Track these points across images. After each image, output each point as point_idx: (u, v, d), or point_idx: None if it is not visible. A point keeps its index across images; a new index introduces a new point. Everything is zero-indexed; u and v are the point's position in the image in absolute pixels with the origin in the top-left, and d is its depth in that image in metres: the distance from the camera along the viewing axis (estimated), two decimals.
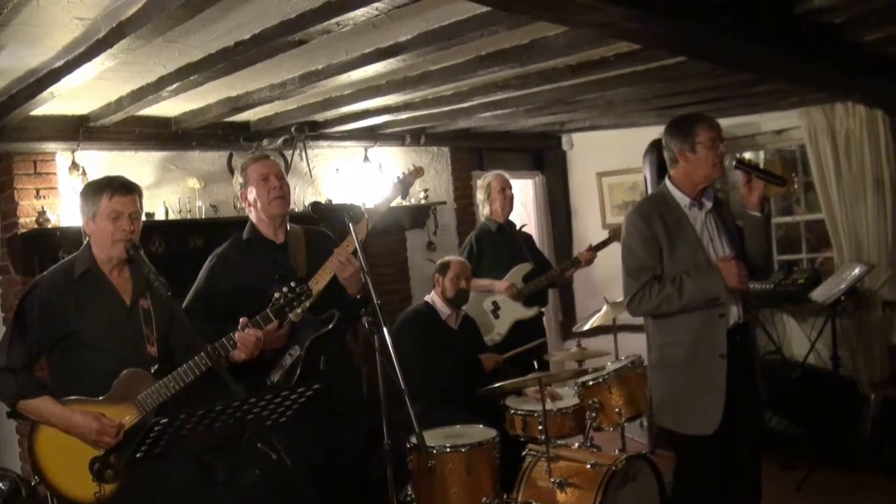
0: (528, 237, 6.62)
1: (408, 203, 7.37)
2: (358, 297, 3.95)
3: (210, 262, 4.19)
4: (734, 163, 4.00)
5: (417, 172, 4.50)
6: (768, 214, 4.12)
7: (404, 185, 4.37)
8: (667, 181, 4.08)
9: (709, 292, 3.80)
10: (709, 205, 4.01)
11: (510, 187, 6.37)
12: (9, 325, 3.48)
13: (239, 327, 3.56)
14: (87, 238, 3.58)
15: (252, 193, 4.13)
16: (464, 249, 6.35)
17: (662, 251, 3.92)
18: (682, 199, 3.99)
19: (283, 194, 4.13)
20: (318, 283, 3.97)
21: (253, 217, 4.21)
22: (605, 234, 6.31)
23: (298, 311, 3.71)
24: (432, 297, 5.54)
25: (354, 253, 3.88)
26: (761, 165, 4.25)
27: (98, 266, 3.52)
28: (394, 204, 7.08)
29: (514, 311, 6.11)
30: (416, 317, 5.48)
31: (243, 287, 3.99)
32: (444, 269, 5.50)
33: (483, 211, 6.42)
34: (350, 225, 3.77)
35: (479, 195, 6.41)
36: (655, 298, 3.87)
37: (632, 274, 3.98)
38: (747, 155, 7.38)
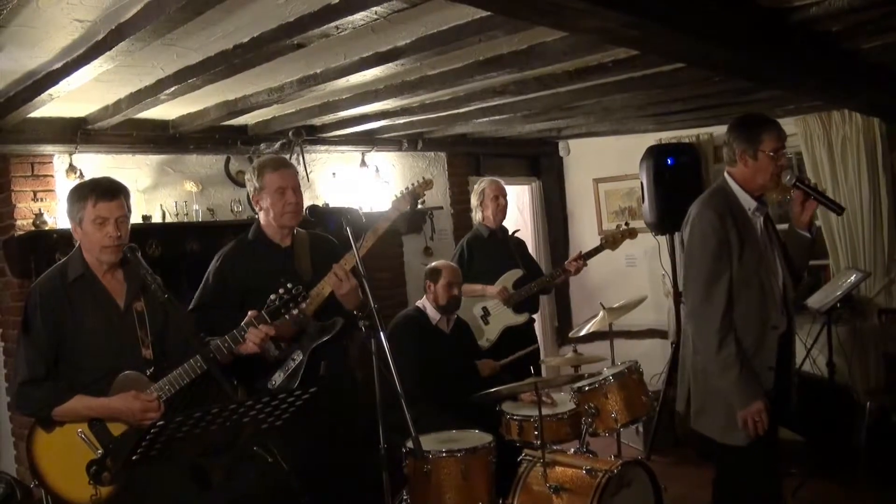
0: (521, 242, 6.61)
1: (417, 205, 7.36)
2: (355, 312, 3.92)
3: (217, 263, 4.17)
4: (794, 180, 3.81)
5: (427, 185, 4.47)
6: (815, 236, 4.01)
7: (413, 197, 4.35)
8: (728, 179, 3.87)
9: (737, 399, 3.62)
10: (766, 211, 3.86)
11: (504, 195, 6.36)
12: (20, 337, 3.46)
13: (247, 321, 3.58)
14: (78, 241, 3.57)
15: (266, 201, 4.11)
16: (455, 254, 6.34)
17: (732, 254, 3.68)
18: (747, 202, 3.80)
19: (298, 209, 4.13)
20: (320, 293, 3.97)
21: (262, 220, 4.19)
22: (600, 241, 6.31)
23: (295, 312, 3.71)
24: (423, 303, 5.52)
25: (354, 268, 3.89)
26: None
27: (90, 270, 3.51)
28: (391, 208, 7.15)
29: (503, 318, 6.10)
30: (408, 322, 5.46)
31: (248, 289, 3.97)
32: (434, 275, 5.45)
33: (476, 216, 6.42)
34: (348, 229, 3.78)
35: (473, 200, 6.39)
36: (718, 339, 3.62)
37: (711, 280, 3.67)
38: None
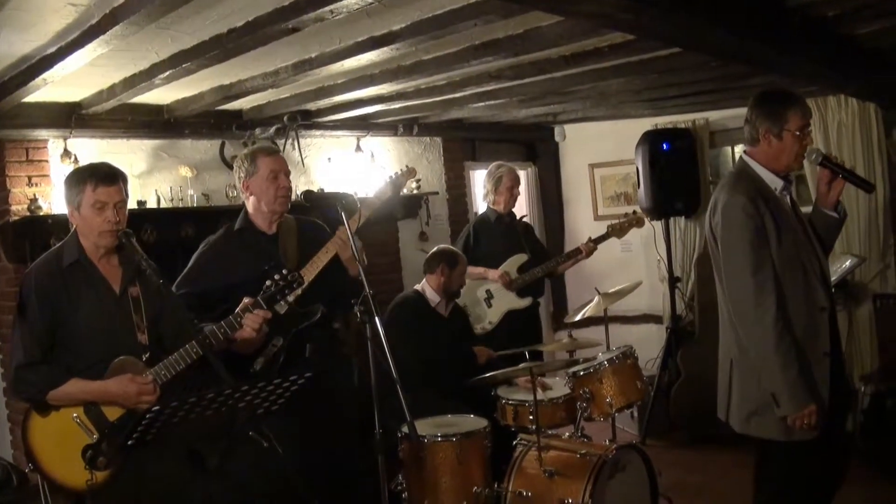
0: (528, 227, 6.66)
1: (399, 193, 7.36)
2: (359, 278, 3.91)
3: (201, 251, 4.20)
4: (820, 159, 3.63)
5: (410, 173, 4.54)
6: (844, 216, 3.78)
7: (396, 185, 4.39)
8: (749, 160, 3.65)
9: (791, 399, 3.39)
10: (791, 190, 3.66)
11: (519, 186, 6.44)
12: (15, 321, 3.46)
13: (242, 307, 3.59)
14: (74, 226, 3.56)
15: (258, 186, 4.12)
16: (461, 238, 6.38)
17: (770, 238, 3.46)
18: (774, 182, 3.59)
19: (289, 194, 4.17)
20: (315, 265, 3.99)
21: (249, 206, 4.20)
22: (597, 226, 6.34)
23: (290, 298, 3.72)
24: (422, 286, 5.53)
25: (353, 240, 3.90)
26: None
27: (86, 255, 3.50)
28: (374, 196, 7.18)
29: (507, 301, 6.12)
30: (407, 305, 5.47)
31: (231, 279, 3.99)
32: (453, 261, 5.45)
33: (486, 199, 6.42)
34: (343, 214, 3.78)
35: (487, 184, 6.38)
36: (776, 333, 3.38)
37: (757, 270, 3.43)
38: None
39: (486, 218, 6.39)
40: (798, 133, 3.54)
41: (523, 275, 6.13)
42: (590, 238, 6.26)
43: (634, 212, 6.58)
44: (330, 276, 4.04)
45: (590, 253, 6.23)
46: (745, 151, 3.74)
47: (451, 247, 5.73)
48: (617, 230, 6.25)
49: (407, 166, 4.60)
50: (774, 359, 3.40)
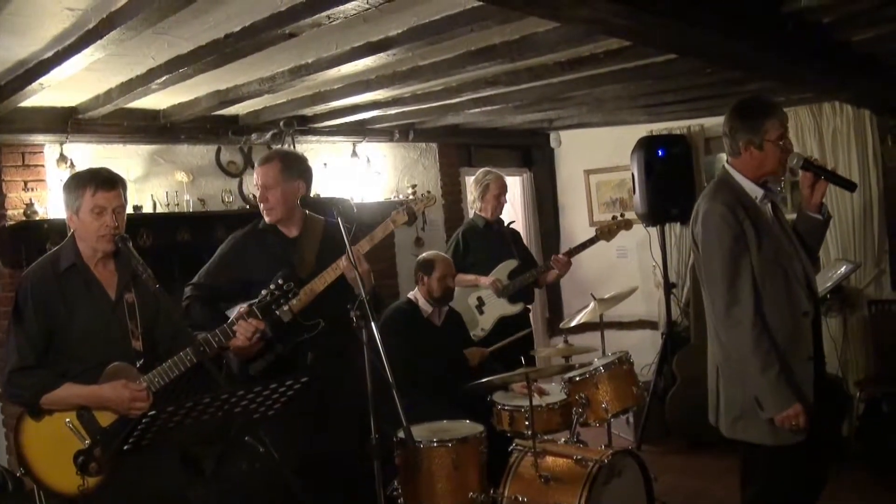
0: (516, 233, 6.63)
1: (395, 199, 7.37)
2: (367, 297, 3.87)
3: (228, 244, 4.24)
4: (801, 163, 3.65)
5: (430, 200, 4.46)
6: (828, 218, 3.81)
7: (411, 212, 4.31)
8: (731, 170, 3.68)
9: (773, 401, 3.41)
10: (773, 198, 3.70)
11: (506, 193, 6.40)
12: (10, 325, 3.45)
13: (237, 315, 3.59)
14: (72, 231, 3.56)
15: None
16: (451, 245, 6.35)
17: (750, 246, 3.49)
18: (754, 191, 3.62)
19: (270, 206, 4.14)
20: (324, 280, 3.97)
21: None
22: (592, 231, 6.31)
23: (285, 308, 3.71)
24: (415, 295, 5.49)
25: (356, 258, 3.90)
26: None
27: (83, 260, 3.49)
28: (382, 199, 7.18)
29: (498, 308, 6.11)
30: (398, 316, 5.41)
31: (246, 277, 4.00)
32: (428, 268, 5.39)
33: (473, 206, 6.41)
34: (339, 220, 3.78)
35: (474, 190, 6.36)
36: (752, 337, 3.41)
37: (734, 278, 3.48)
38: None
39: (475, 224, 6.35)
40: (779, 140, 3.58)
41: (513, 281, 6.11)
42: (568, 249, 6.22)
43: (622, 215, 6.56)
44: (340, 289, 4.03)
45: (563, 266, 6.12)
46: (727, 161, 3.77)
47: (436, 253, 5.68)
48: (605, 233, 6.22)
49: (428, 192, 4.58)
50: (753, 361, 3.43)
